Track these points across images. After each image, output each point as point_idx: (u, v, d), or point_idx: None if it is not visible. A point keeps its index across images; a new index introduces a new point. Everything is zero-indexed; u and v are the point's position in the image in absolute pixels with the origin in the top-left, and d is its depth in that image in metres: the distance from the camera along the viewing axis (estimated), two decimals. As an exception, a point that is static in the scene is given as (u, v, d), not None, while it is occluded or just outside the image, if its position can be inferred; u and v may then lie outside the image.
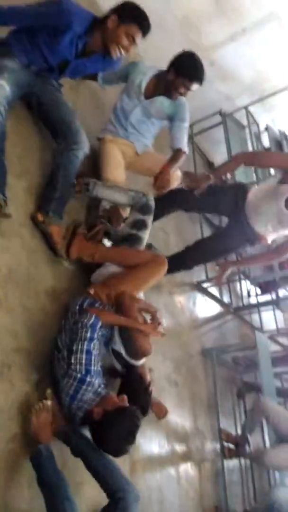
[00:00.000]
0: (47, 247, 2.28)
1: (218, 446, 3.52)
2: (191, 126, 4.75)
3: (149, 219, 2.58)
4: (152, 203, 2.60)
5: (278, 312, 5.10)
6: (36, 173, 2.34)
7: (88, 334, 1.92)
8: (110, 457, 1.90)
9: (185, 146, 2.84)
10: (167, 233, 3.79)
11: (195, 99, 4.57)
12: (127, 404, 1.91)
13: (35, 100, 2.29)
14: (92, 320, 1.96)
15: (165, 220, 3.82)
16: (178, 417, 3.15)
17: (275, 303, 4.40)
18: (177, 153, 2.84)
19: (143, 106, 2.78)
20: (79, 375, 1.85)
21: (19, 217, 2.16)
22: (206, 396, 3.66)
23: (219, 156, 5.23)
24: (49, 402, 1.92)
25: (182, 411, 3.25)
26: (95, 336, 1.96)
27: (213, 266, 4.20)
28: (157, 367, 3.00)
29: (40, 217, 2.19)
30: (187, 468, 3.16)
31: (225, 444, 3.48)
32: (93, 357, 1.92)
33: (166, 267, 2.42)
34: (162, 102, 2.78)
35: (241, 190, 3.00)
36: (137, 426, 1.86)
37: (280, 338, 5.21)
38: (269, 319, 5.06)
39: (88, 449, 1.90)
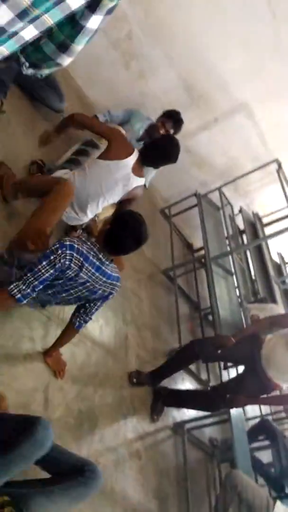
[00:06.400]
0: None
1: None
2: (168, 208, 5.01)
3: (91, 150, 2.90)
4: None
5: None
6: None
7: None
8: None
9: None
10: (141, 299, 3.79)
11: (173, 185, 4.92)
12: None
13: None
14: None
15: (137, 285, 3.86)
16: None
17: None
18: None
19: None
20: None
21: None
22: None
23: (198, 239, 5.39)
24: None
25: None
26: None
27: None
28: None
29: None
30: None
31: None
32: None
33: (70, 192, 2.36)
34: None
35: (256, 340, 3.20)
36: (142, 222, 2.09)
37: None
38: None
39: None
